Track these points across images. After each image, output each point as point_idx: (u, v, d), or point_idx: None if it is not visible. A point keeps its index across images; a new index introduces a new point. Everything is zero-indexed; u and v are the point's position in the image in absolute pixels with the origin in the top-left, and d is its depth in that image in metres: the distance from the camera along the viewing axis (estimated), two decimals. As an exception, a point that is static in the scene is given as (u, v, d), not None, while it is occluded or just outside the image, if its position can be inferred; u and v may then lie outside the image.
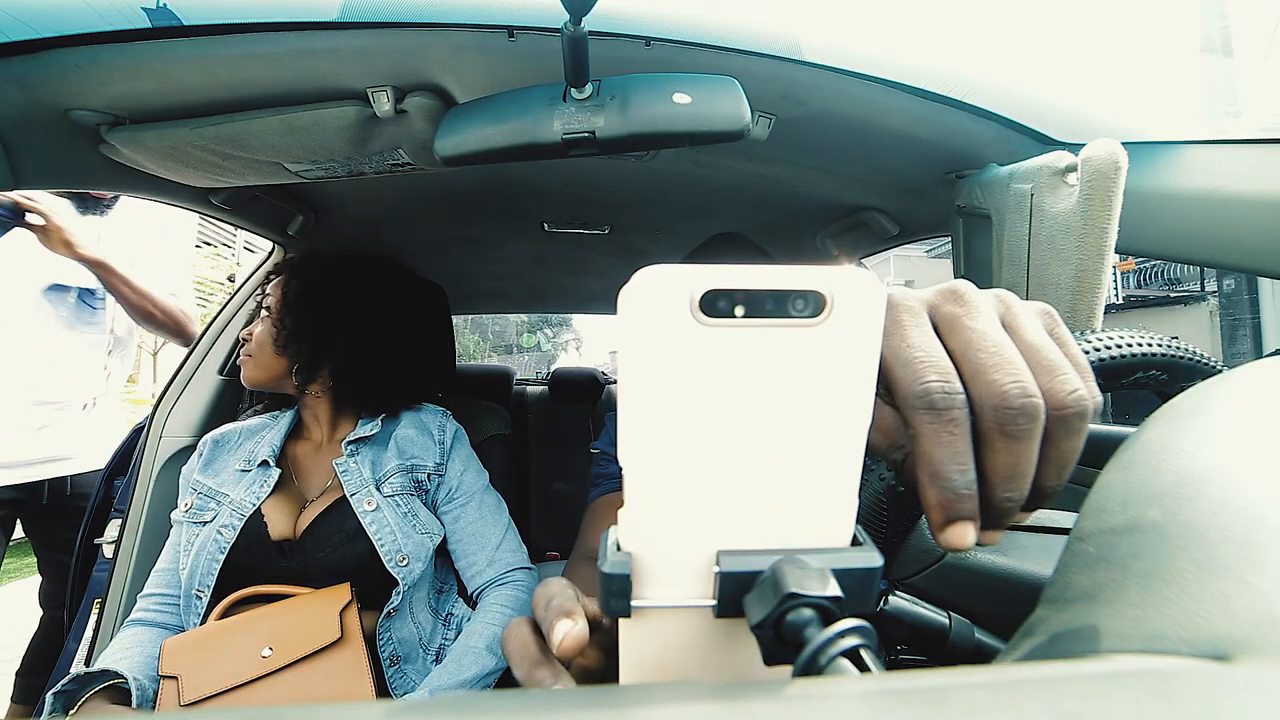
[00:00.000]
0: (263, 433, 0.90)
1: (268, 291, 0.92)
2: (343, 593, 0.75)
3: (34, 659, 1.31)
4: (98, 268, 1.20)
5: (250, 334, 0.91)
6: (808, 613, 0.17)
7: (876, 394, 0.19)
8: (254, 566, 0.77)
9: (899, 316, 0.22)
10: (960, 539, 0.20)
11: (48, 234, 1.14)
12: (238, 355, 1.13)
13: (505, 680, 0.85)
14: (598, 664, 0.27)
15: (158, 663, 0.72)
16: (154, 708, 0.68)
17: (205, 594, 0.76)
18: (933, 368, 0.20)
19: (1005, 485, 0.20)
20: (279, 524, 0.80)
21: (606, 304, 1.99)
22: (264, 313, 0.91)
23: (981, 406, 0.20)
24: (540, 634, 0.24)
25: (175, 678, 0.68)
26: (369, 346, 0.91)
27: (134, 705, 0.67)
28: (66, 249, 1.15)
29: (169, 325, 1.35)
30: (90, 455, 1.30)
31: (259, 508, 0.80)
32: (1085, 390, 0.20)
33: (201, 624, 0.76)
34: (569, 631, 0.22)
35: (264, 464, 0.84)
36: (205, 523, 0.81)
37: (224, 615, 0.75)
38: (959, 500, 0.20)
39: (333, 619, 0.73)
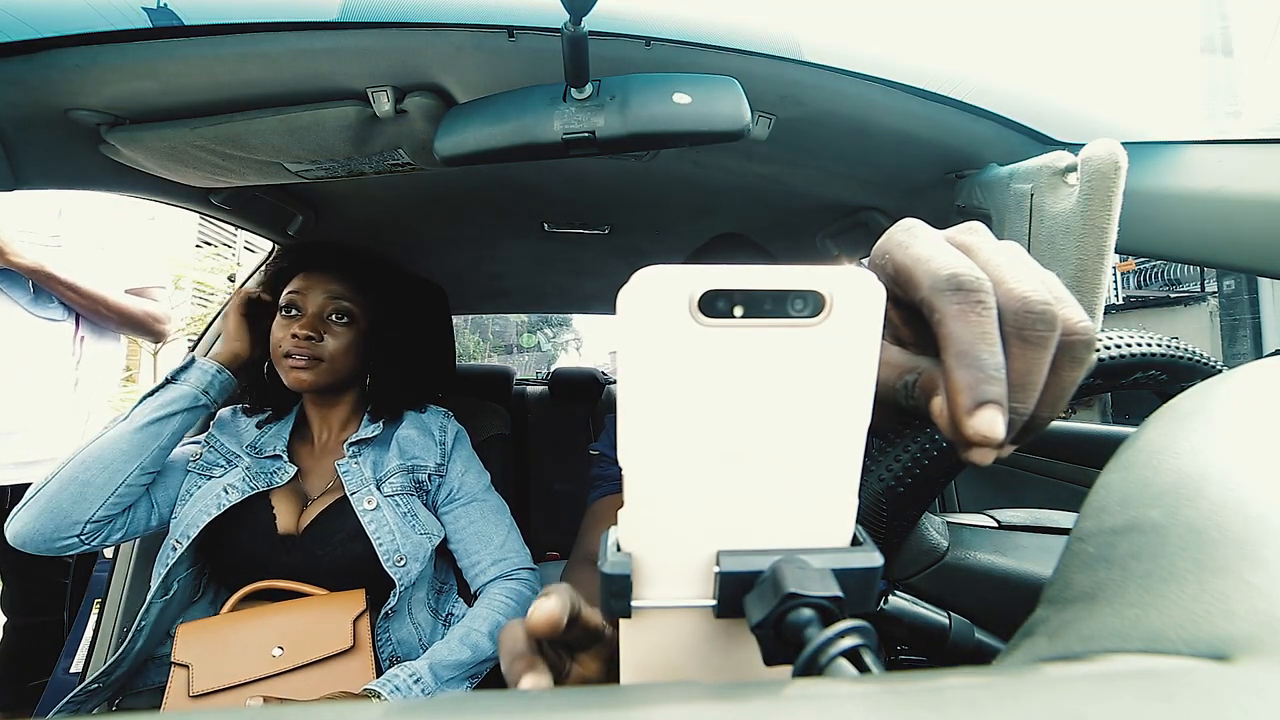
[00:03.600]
0: (270, 426, 0.90)
1: (341, 296, 0.87)
2: (358, 600, 0.75)
3: (2, 668, 1.23)
4: (35, 274, 1.13)
5: (312, 334, 0.83)
6: (808, 613, 0.17)
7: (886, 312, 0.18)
8: (259, 557, 0.78)
9: (916, 232, 0.22)
10: (990, 426, 0.18)
11: None
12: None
13: (500, 674, 0.85)
14: (597, 674, 0.26)
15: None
16: (164, 696, 0.68)
17: (181, 546, 0.75)
18: (958, 261, 0.20)
19: (1014, 394, 0.19)
20: (285, 518, 0.81)
21: (606, 304, 1.99)
22: (335, 319, 0.86)
23: (1003, 312, 0.19)
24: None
25: (186, 666, 0.68)
26: (407, 352, 0.93)
27: None
28: None
29: (129, 326, 1.28)
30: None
31: (269, 497, 0.81)
32: (1091, 324, 0.20)
33: (170, 570, 0.76)
34: (539, 606, 0.23)
35: (277, 456, 0.85)
36: (211, 477, 0.81)
37: (236, 607, 0.75)
38: (989, 380, 0.19)
39: (346, 626, 0.73)
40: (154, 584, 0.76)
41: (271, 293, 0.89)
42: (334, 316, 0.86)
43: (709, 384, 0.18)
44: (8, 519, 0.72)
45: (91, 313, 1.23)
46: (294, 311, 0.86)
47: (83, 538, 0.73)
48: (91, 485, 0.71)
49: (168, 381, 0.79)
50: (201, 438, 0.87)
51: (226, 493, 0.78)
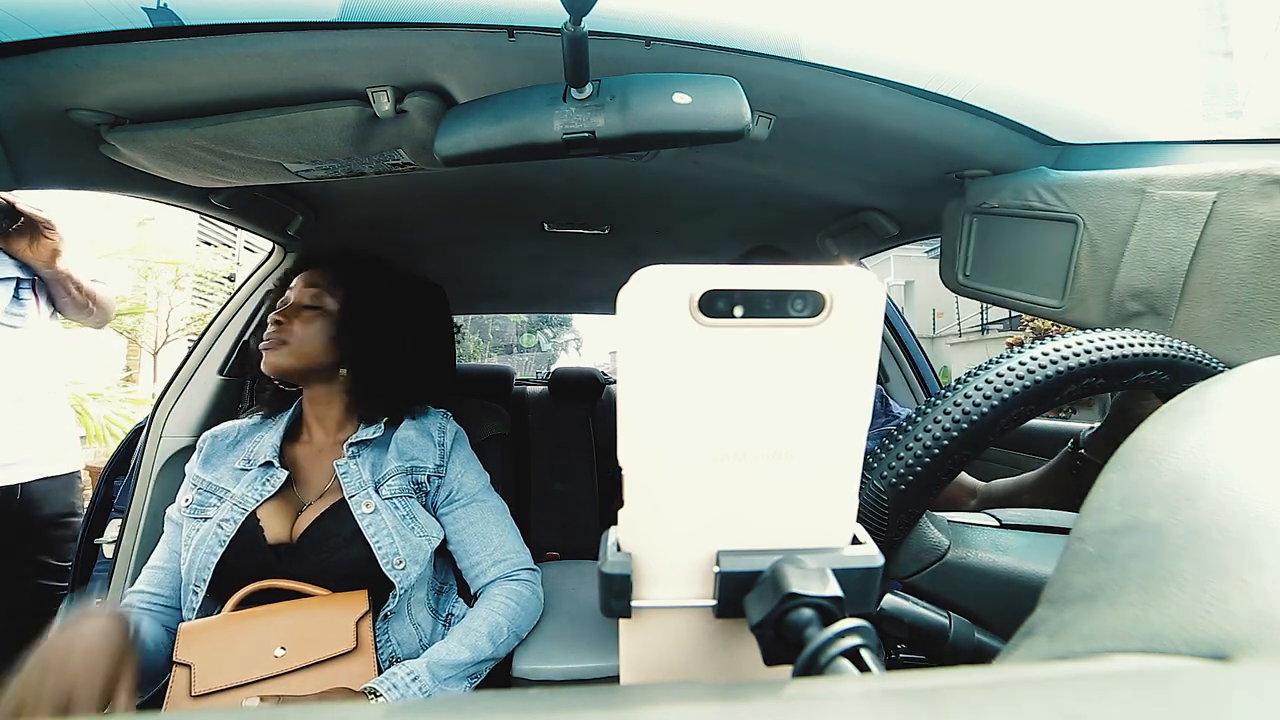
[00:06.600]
0: (261, 433, 0.90)
1: (315, 285, 0.91)
2: (360, 601, 0.75)
3: None
4: (59, 276, 1.17)
5: (282, 319, 0.88)
6: (808, 613, 0.17)
7: None
8: (250, 570, 0.77)
9: None
10: None
11: (41, 244, 1.11)
12: (244, 349, 1.12)
13: (500, 674, 0.85)
14: None
15: (161, 649, 0.73)
16: (165, 696, 0.68)
17: (201, 588, 0.76)
18: None
19: None
20: (275, 528, 0.80)
21: (606, 304, 1.99)
22: (307, 307, 0.90)
23: None
24: None
25: (188, 666, 0.68)
26: (399, 349, 0.94)
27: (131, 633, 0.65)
28: (53, 257, 1.12)
29: (103, 316, 1.32)
30: (41, 461, 1.21)
31: (255, 511, 0.80)
32: None
33: (198, 618, 0.76)
34: None
35: (267, 464, 0.84)
36: (206, 518, 0.81)
37: (239, 607, 0.75)
38: None
39: (349, 628, 0.73)
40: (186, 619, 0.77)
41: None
42: (306, 304, 0.90)
43: (709, 384, 0.18)
44: None
45: (80, 308, 1.25)
46: (281, 304, 0.91)
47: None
48: None
49: None
50: (187, 482, 0.87)
51: (221, 527, 0.78)
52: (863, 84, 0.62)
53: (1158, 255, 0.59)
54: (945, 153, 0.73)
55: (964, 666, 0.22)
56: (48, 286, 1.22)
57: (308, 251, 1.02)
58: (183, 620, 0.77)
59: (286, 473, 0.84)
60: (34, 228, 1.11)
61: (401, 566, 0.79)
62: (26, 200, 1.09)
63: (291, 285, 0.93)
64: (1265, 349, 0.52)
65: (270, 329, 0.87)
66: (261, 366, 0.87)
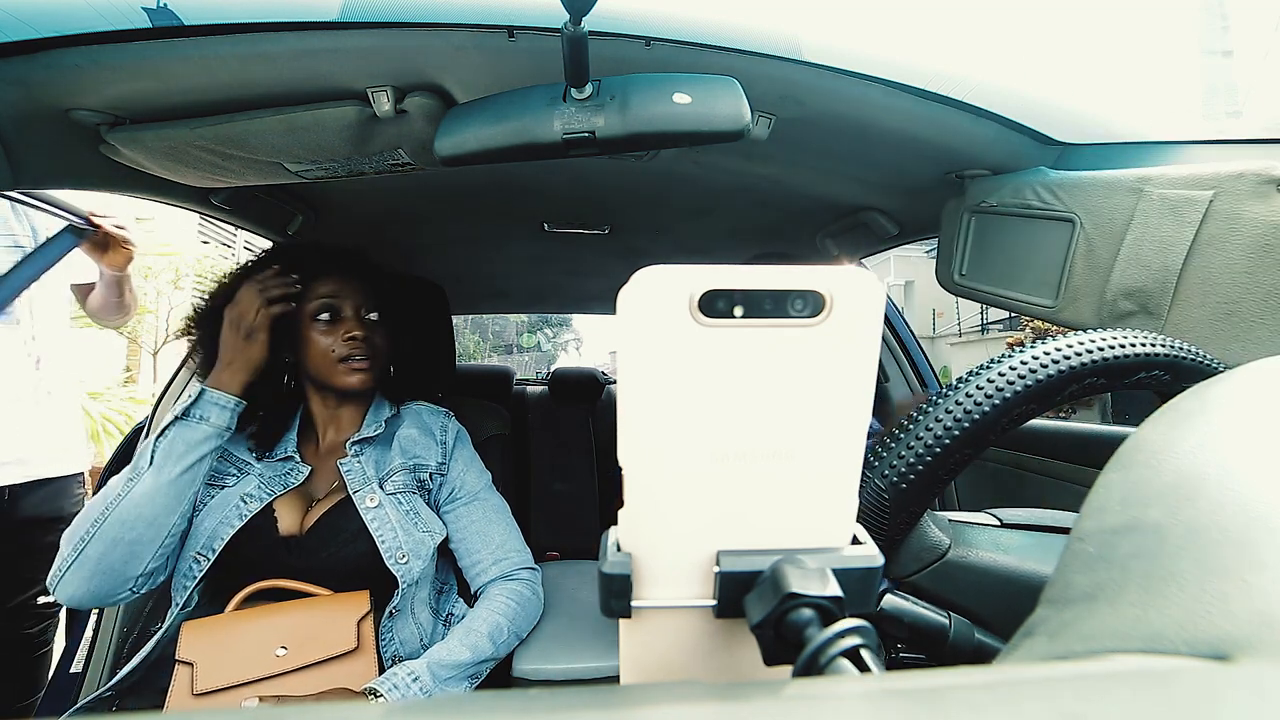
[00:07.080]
0: (273, 430, 0.89)
1: (370, 298, 0.90)
2: (362, 601, 0.75)
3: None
4: (123, 277, 1.21)
5: (367, 336, 0.87)
6: (808, 613, 0.17)
7: None
8: (258, 560, 0.77)
9: None
10: None
11: (119, 253, 1.12)
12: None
13: (500, 674, 0.85)
14: None
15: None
16: (168, 694, 0.68)
17: (205, 559, 0.75)
18: None
19: None
20: (286, 520, 0.80)
21: (606, 304, 1.99)
22: (373, 319, 0.90)
23: None
24: None
25: (191, 664, 0.68)
26: (417, 347, 0.99)
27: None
28: (126, 263, 1.14)
29: (130, 317, 1.35)
30: (35, 462, 1.18)
31: (271, 502, 0.80)
32: None
33: (196, 584, 0.76)
34: None
35: (288, 459, 0.85)
36: (222, 487, 0.80)
37: (240, 607, 0.75)
38: None
39: (350, 627, 0.73)
40: (177, 597, 0.76)
41: (284, 300, 0.86)
42: (371, 316, 0.90)
43: (709, 384, 0.18)
44: (55, 583, 0.71)
45: (123, 310, 1.27)
46: (330, 316, 0.86)
47: (134, 589, 0.73)
48: (140, 543, 0.72)
49: (182, 418, 0.76)
50: None
51: (245, 502, 0.78)
52: (863, 84, 0.62)
53: (1152, 254, 0.58)
54: (945, 153, 0.73)
55: (964, 666, 0.22)
56: (103, 285, 1.24)
57: (318, 258, 0.96)
58: (174, 600, 0.77)
59: (310, 468, 0.85)
60: (113, 240, 1.12)
61: (405, 561, 0.79)
62: (106, 209, 1.08)
63: (329, 295, 0.87)
64: (1255, 347, 0.52)
65: (354, 348, 0.85)
66: (354, 384, 0.85)
